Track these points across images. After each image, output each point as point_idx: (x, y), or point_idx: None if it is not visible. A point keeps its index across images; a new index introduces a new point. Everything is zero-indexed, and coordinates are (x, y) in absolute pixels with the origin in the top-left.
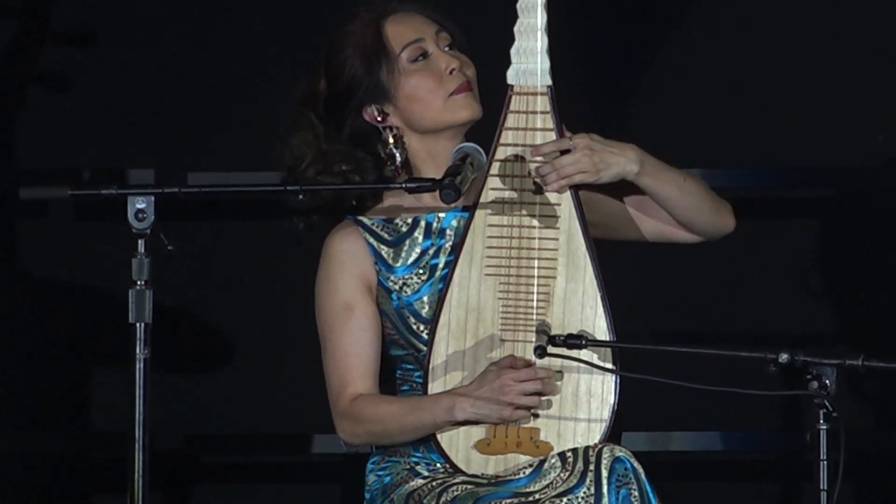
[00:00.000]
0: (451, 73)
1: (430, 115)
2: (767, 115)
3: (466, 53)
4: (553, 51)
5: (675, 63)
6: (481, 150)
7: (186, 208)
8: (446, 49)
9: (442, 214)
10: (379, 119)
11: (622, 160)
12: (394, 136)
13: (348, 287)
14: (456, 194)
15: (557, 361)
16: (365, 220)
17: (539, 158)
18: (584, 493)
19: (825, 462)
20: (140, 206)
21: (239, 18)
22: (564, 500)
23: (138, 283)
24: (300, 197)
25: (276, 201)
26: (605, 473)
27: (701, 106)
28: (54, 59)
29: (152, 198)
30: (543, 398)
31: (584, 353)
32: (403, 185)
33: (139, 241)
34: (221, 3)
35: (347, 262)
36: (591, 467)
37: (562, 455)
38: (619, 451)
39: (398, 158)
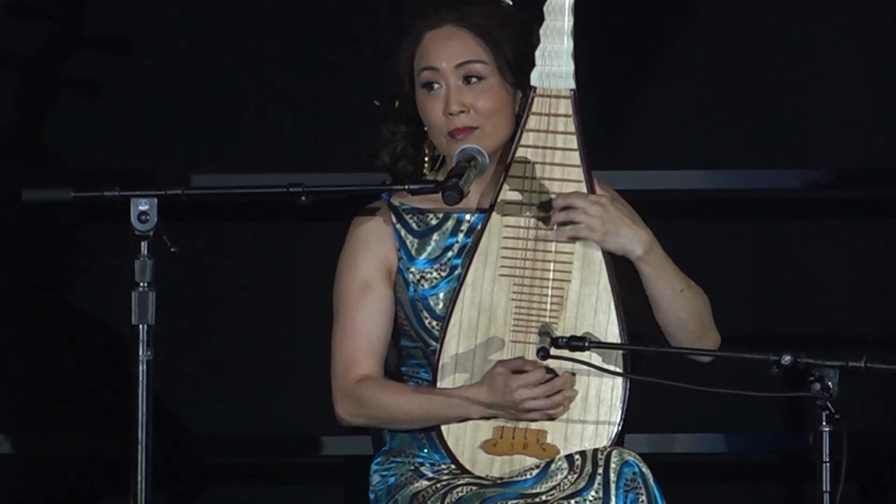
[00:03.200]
0: (450, 114)
1: (438, 142)
2: (768, 115)
3: (511, 74)
4: (577, 54)
5: (690, 65)
6: (484, 153)
7: (189, 210)
8: (465, 82)
9: (474, 214)
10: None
11: (631, 236)
12: (427, 141)
13: (369, 266)
14: (459, 196)
15: (567, 364)
16: (398, 204)
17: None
18: (593, 496)
19: (828, 464)
20: (143, 207)
21: (243, 21)
22: (572, 502)
23: (141, 284)
24: (303, 199)
25: (281, 202)
26: (613, 477)
27: (700, 105)
28: (65, 65)
29: (155, 200)
30: (563, 399)
31: (594, 358)
32: (407, 188)
33: (142, 243)
34: (225, 6)
35: (372, 243)
36: (600, 470)
37: (569, 457)
38: (629, 455)
39: (427, 158)
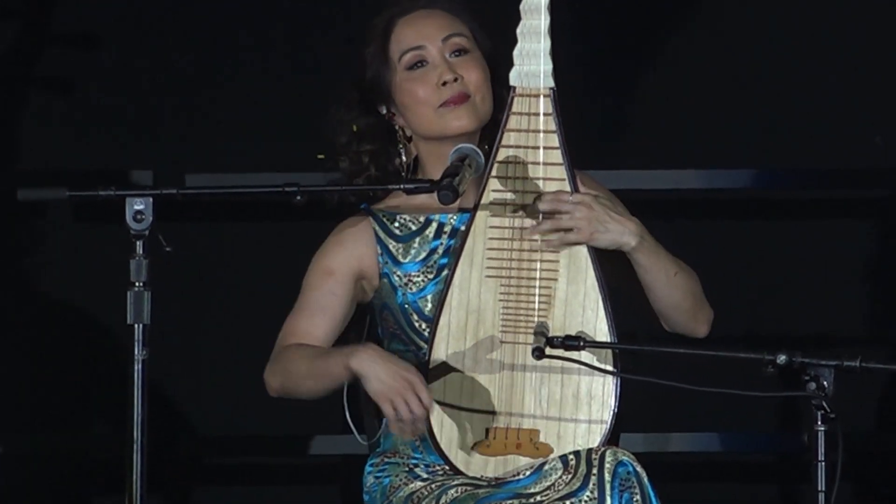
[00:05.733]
0: (443, 84)
1: (423, 123)
2: (761, 113)
3: (486, 52)
4: (555, 51)
5: (681, 65)
6: (479, 152)
7: (184, 209)
8: (453, 56)
9: (455, 216)
10: (387, 118)
11: (621, 229)
12: (399, 137)
13: (337, 259)
14: (454, 195)
15: (557, 363)
16: (378, 212)
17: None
18: (588, 496)
19: (823, 463)
20: (138, 207)
21: (237, 19)
22: (567, 502)
23: (136, 284)
24: (297, 198)
25: (276, 202)
26: (607, 477)
27: (695, 104)
28: (54, 61)
29: (150, 199)
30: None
31: (585, 356)
32: (402, 187)
33: (137, 243)
34: (220, 5)
35: (347, 241)
36: (594, 471)
37: (563, 458)
38: (622, 455)
39: (403, 158)
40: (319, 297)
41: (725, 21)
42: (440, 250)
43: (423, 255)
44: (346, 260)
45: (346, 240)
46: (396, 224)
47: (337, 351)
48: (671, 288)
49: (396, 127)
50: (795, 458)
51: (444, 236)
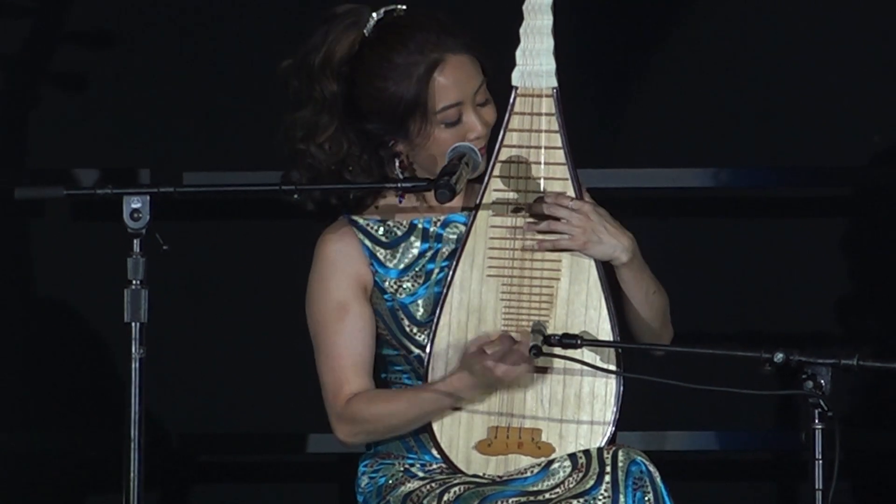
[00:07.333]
0: (477, 137)
1: (437, 165)
2: (761, 113)
3: (487, 68)
4: (557, 51)
5: (679, 63)
6: (476, 150)
7: (182, 208)
8: (480, 105)
9: (440, 219)
10: (391, 146)
11: (615, 243)
12: (400, 163)
13: (342, 288)
14: (451, 193)
15: (559, 363)
16: (360, 220)
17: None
18: (603, 494)
19: (820, 461)
20: (135, 205)
21: (235, 18)
22: (581, 500)
23: (134, 282)
24: (295, 197)
25: (273, 200)
26: (621, 476)
27: (695, 104)
28: (54, 60)
29: (148, 197)
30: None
31: (587, 355)
32: (398, 185)
33: (134, 241)
34: (218, 2)
35: (341, 263)
36: (608, 469)
37: (572, 456)
38: (635, 454)
39: (400, 177)
40: (347, 340)
41: (724, 21)
42: (428, 254)
43: (410, 259)
44: (349, 285)
45: (338, 260)
46: (382, 230)
47: (437, 395)
48: (646, 306)
49: (399, 156)
50: (793, 456)
51: (432, 240)
